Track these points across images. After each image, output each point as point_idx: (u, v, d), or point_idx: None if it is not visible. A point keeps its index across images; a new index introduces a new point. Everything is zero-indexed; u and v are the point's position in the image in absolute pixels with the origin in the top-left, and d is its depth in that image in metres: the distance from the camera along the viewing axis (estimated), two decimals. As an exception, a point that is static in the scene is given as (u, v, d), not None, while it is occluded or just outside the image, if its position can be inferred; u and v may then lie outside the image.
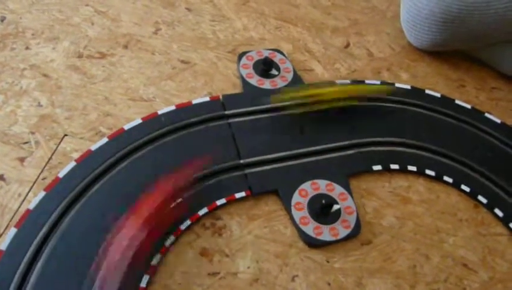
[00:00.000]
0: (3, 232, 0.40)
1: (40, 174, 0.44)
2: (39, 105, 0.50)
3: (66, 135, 0.47)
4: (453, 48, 0.63)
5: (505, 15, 0.56)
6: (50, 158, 0.45)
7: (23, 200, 0.42)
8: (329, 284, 0.41)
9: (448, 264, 0.45)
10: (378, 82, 0.58)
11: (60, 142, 0.47)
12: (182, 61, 0.57)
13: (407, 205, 0.48)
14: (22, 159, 0.45)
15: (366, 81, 0.58)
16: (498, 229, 0.48)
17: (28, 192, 0.43)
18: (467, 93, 0.61)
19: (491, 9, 0.55)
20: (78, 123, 0.49)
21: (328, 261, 0.43)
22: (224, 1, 0.67)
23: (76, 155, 0.46)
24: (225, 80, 0.56)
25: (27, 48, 0.55)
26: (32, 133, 0.47)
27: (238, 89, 0.55)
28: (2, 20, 0.58)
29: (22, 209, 0.42)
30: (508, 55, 0.62)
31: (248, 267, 0.41)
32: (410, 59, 0.64)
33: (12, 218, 0.41)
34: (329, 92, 0.51)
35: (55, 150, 0.46)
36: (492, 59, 0.64)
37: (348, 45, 0.64)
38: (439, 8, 0.57)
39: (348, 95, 0.52)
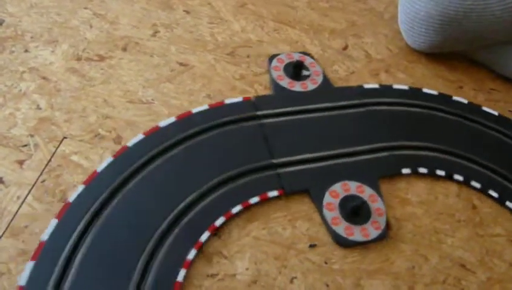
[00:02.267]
0: (2, 235, 0.40)
1: (39, 176, 0.44)
2: (38, 108, 0.50)
3: (65, 138, 0.48)
4: (450, 49, 0.63)
5: (501, 17, 0.56)
6: (49, 161, 0.46)
7: (22, 203, 0.42)
8: (327, 285, 0.42)
9: (447, 265, 0.45)
10: None
11: (59, 145, 0.47)
12: (180, 64, 0.57)
13: (406, 206, 0.48)
14: (21, 162, 0.45)
15: None
16: (496, 230, 0.48)
17: (27, 195, 0.43)
18: (465, 94, 0.61)
19: (488, 11, 0.56)
20: (77, 126, 0.49)
21: (326, 263, 0.43)
22: (222, 3, 0.67)
23: (75, 157, 0.46)
24: (224, 82, 0.56)
25: (26, 51, 0.55)
26: (32, 135, 0.47)
27: (237, 91, 0.55)
28: (1, 23, 0.58)
29: (22, 211, 0.42)
30: (506, 57, 0.62)
31: (247, 269, 0.42)
32: (408, 61, 0.64)
33: (11, 220, 0.41)
34: None
35: (54, 153, 0.46)
36: (490, 60, 0.64)
37: (346, 47, 0.64)
38: (437, 10, 0.57)
39: None
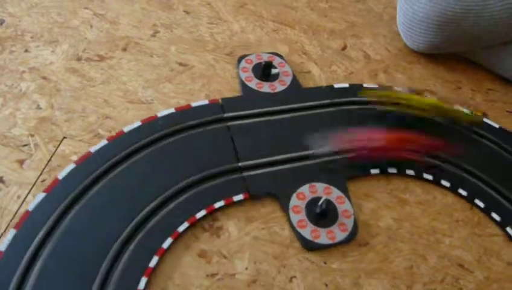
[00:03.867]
0: (2, 234, 0.40)
1: (39, 176, 0.44)
2: (38, 107, 0.50)
3: (65, 138, 0.48)
4: (449, 50, 0.64)
5: (500, 18, 0.56)
6: (49, 160, 0.46)
7: (23, 202, 0.43)
8: (326, 285, 0.42)
9: (445, 265, 0.45)
10: (465, 110, 0.56)
11: (59, 145, 0.47)
12: (180, 64, 0.57)
13: (404, 207, 0.49)
14: (21, 162, 0.45)
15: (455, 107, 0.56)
16: (494, 230, 0.48)
17: (27, 194, 0.43)
18: (463, 95, 0.61)
19: (486, 12, 0.56)
20: (77, 125, 0.49)
21: (325, 262, 0.43)
22: (222, 4, 0.67)
23: (75, 157, 0.46)
24: (223, 83, 0.56)
25: (26, 51, 0.55)
26: (32, 135, 0.47)
27: (236, 92, 0.55)
28: (1, 23, 0.58)
29: (22, 211, 0.42)
30: (504, 57, 0.62)
31: (246, 269, 0.42)
32: (407, 61, 0.65)
33: (11, 220, 0.41)
34: (421, 101, 0.52)
35: (54, 153, 0.46)
36: (488, 61, 0.64)
37: (344, 47, 0.65)
38: (435, 11, 0.57)
39: (434, 113, 0.53)
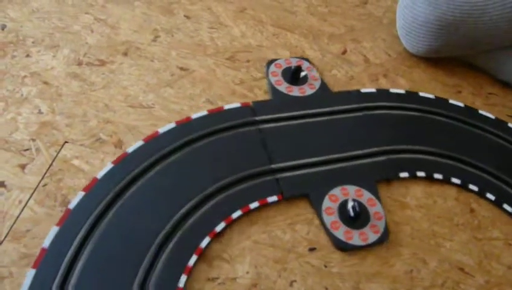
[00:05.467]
0: (4, 238, 0.41)
1: (40, 180, 0.45)
2: (40, 112, 0.50)
3: (66, 142, 0.48)
4: (448, 54, 0.64)
5: (499, 22, 0.56)
6: (50, 165, 0.46)
7: (24, 207, 0.43)
8: (326, 288, 0.42)
9: (445, 269, 0.45)
10: None
11: (60, 149, 0.47)
12: (181, 68, 0.58)
13: (404, 210, 0.49)
14: (22, 166, 0.46)
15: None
16: (494, 234, 0.48)
17: (29, 199, 0.43)
18: (463, 98, 0.62)
19: (485, 17, 0.56)
20: (79, 130, 0.49)
21: (325, 266, 0.43)
22: (222, 9, 0.67)
23: (77, 162, 0.46)
24: (224, 87, 0.56)
25: (28, 56, 0.56)
26: (33, 140, 0.48)
27: (236, 96, 0.56)
28: (3, 28, 0.58)
29: (25, 216, 0.42)
30: (504, 61, 0.63)
31: (247, 272, 0.42)
32: (407, 65, 0.65)
33: (13, 224, 0.41)
34: None
35: (55, 157, 0.47)
36: (488, 65, 0.64)
37: (344, 52, 0.65)
38: (435, 15, 0.57)
39: None
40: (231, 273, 0.42)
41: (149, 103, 0.53)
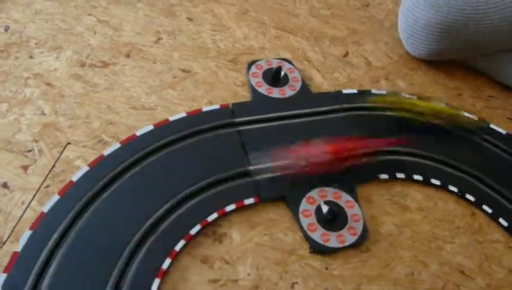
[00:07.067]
0: (7, 239, 0.41)
1: (43, 182, 0.45)
2: (42, 113, 0.50)
3: (69, 143, 0.48)
4: (449, 57, 0.64)
5: (500, 25, 0.57)
6: (53, 166, 0.46)
7: (27, 208, 0.43)
8: (328, 291, 0.42)
9: (446, 271, 0.45)
10: (473, 116, 0.58)
11: (63, 151, 0.47)
12: (183, 70, 0.58)
13: (405, 213, 0.49)
14: (25, 167, 0.46)
15: (465, 114, 0.58)
16: (495, 236, 0.49)
17: (32, 200, 0.43)
18: (463, 101, 0.62)
19: (487, 20, 0.56)
20: (81, 131, 0.49)
21: (327, 268, 0.43)
22: (225, 11, 0.68)
23: (79, 163, 0.46)
24: (226, 89, 0.57)
25: (31, 57, 0.56)
26: (36, 141, 0.48)
27: (239, 98, 0.56)
28: (6, 30, 0.59)
29: (28, 216, 0.42)
30: (505, 64, 0.63)
31: (248, 274, 0.42)
32: (408, 68, 0.65)
33: (15, 225, 0.42)
34: (429, 108, 0.54)
35: (58, 158, 0.47)
36: (489, 68, 0.65)
37: (346, 54, 0.65)
38: (436, 18, 0.58)
39: (444, 120, 0.54)
40: (232, 275, 0.42)
41: (151, 104, 0.53)
